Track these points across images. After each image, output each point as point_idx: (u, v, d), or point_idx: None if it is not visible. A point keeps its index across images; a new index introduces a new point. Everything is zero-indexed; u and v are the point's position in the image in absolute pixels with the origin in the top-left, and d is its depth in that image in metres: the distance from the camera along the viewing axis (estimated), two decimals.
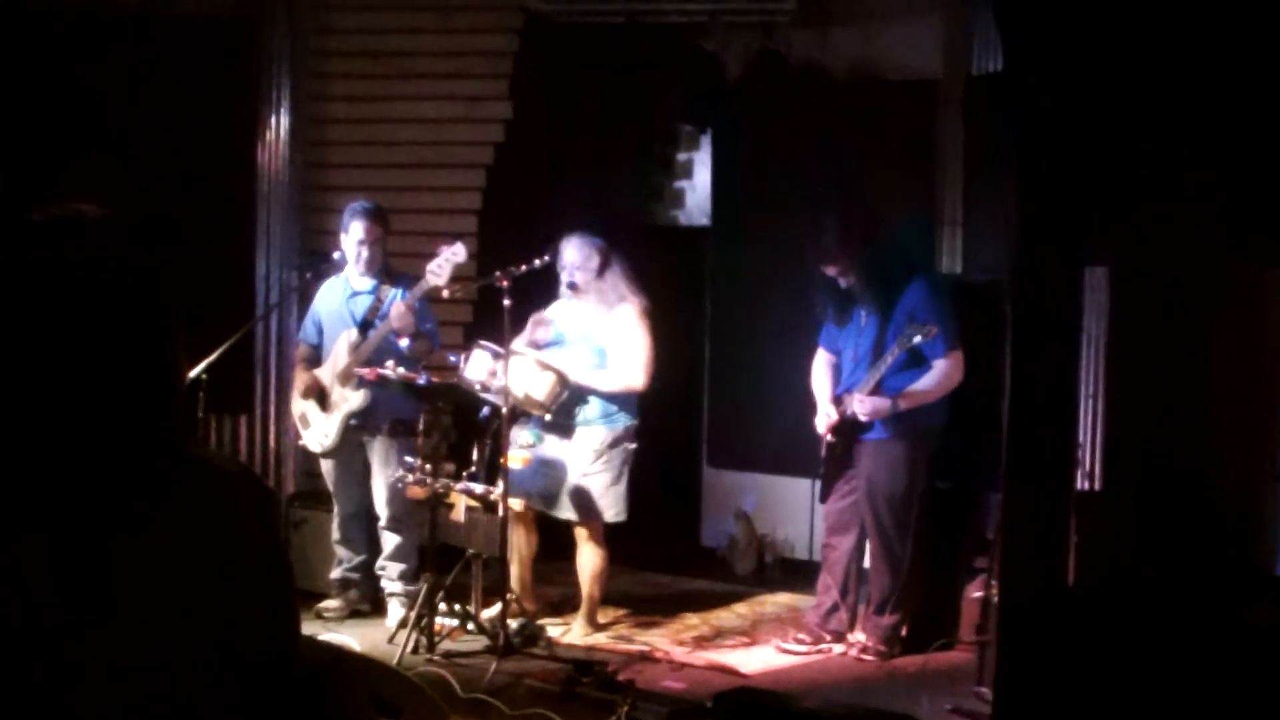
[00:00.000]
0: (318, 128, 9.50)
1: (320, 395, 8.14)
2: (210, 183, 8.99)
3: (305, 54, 9.44)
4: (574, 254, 7.95)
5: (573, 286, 7.96)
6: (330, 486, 8.37)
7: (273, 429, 9.24)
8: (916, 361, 7.62)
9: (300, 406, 8.28)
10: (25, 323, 2.24)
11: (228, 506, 2.38)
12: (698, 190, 10.45)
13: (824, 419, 7.85)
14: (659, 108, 10.23)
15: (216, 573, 2.31)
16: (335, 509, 8.38)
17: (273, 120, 9.29)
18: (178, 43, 9.04)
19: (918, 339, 7.44)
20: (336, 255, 8.23)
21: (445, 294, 7.97)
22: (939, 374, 7.60)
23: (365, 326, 8.02)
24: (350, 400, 8.03)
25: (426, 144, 9.55)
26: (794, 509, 9.55)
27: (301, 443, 8.40)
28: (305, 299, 8.70)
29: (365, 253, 8.11)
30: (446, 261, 7.81)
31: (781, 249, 9.17)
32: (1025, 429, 7.80)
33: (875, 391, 7.56)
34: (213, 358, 7.64)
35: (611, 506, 7.94)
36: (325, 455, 8.25)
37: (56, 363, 2.23)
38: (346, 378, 8.01)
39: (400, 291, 7.97)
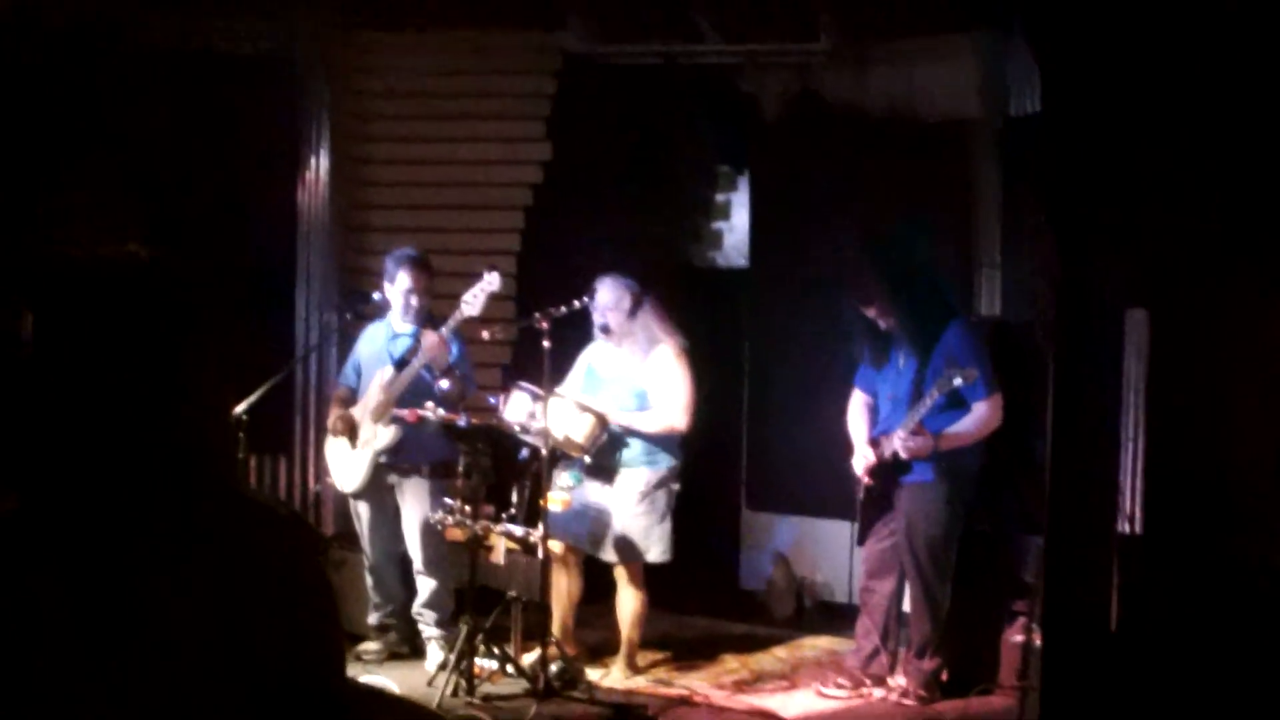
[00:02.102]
0: (357, 168, 9.56)
1: (351, 434, 8.14)
2: (251, 222, 9.03)
3: (345, 94, 9.51)
4: (606, 295, 7.96)
5: (605, 329, 7.97)
6: (361, 530, 8.33)
7: (312, 470, 9.27)
8: (955, 404, 7.61)
9: (331, 446, 8.29)
10: (69, 358, 2.26)
11: (277, 547, 2.40)
12: (735, 231, 10.46)
13: (861, 460, 7.85)
14: (696, 149, 10.25)
15: (264, 610, 2.32)
16: (367, 553, 8.35)
17: (313, 161, 9.36)
18: (219, 80, 9.08)
19: (958, 381, 7.42)
20: (377, 296, 8.25)
21: (484, 335, 7.99)
22: (979, 417, 7.59)
23: (402, 364, 8.01)
24: (380, 437, 8.02)
25: (465, 185, 9.60)
26: (833, 552, 9.52)
27: (330, 481, 8.39)
28: (345, 340, 8.73)
29: (413, 301, 8.12)
30: (481, 291, 7.82)
31: (819, 290, 9.16)
32: (1067, 473, 7.79)
33: (916, 433, 7.55)
34: (253, 398, 7.68)
35: (656, 547, 7.93)
36: (356, 496, 8.23)
37: (100, 398, 2.25)
38: (379, 414, 7.99)
39: (441, 334, 7.96)
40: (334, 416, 8.26)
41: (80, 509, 2.27)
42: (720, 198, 10.60)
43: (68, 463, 2.28)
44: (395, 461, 8.09)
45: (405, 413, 7.79)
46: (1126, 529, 7.43)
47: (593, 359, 8.16)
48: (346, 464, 8.19)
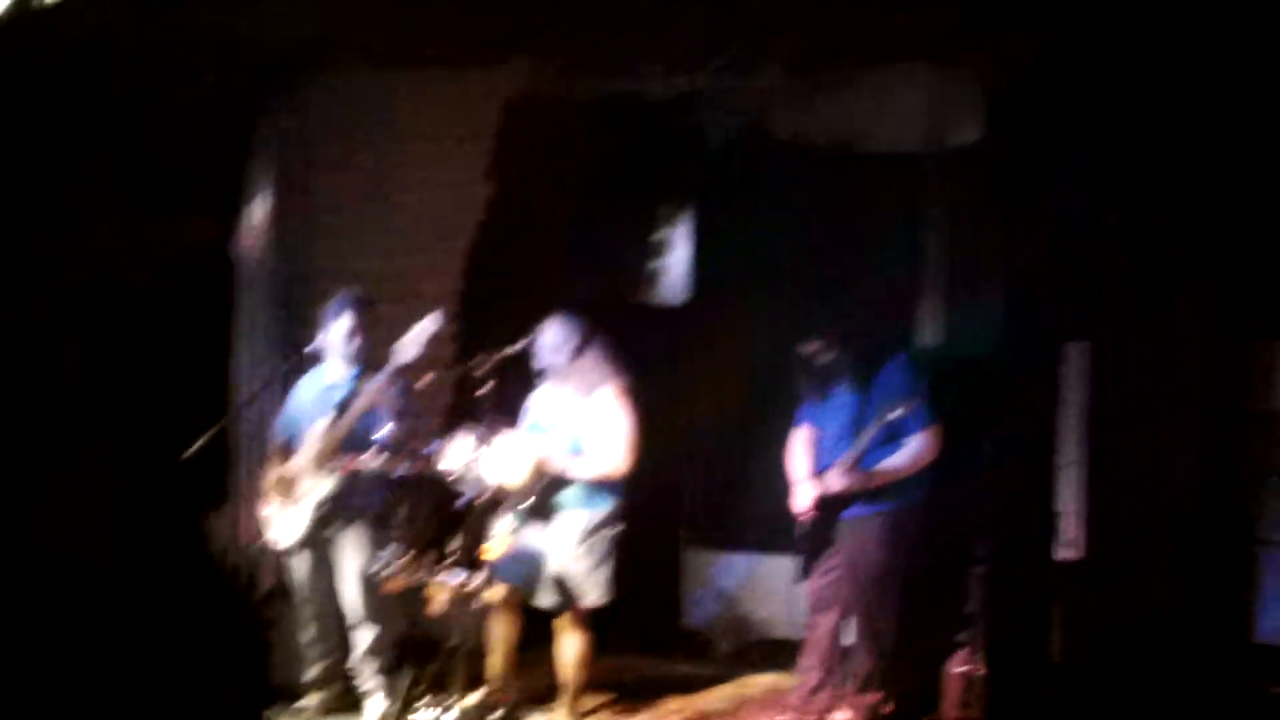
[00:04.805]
0: (299, 211, 9.45)
1: (289, 489, 8.04)
2: (190, 271, 8.93)
3: (286, 136, 9.42)
4: (551, 336, 7.91)
5: (545, 371, 7.91)
6: (297, 585, 8.17)
7: (243, 523, 9.14)
8: (895, 436, 7.59)
9: (268, 501, 8.18)
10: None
11: None
12: (677, 267, 10.40)
13: (802, 497, 7.80)
14: (639, 184, 10.19)
15: None
16: (302, 607, 8.19)
17: (253, 207, 9.25)
18: (155, 122, 8.96)
19: (896, 414, 7.41)
20: (314, 346, 8.15)
21: (424, 380, 7.92)
22: (914, 450, 7.58)
23: (342, 409, 7.92)
24: (320, 487, 7.89)
25: (406, 225, 9.51)
26: (775, 588, 9.44)
27: (272, 539, 8.18)
28: (284, 389, 8.62)
29: (354, 342, 8.06)
30: (417, 337, 7.73)
31: (761, 326, 9.14)
32: (1007, 502, 7.80)
33: (853, 467, 7.52)
34: (190, 451, 7.58)
35: (593, 590, 7.85)
36: (292, 550, 8.09)
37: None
38: (320, 463, 7.89)
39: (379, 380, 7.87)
40: (270, 475, 8.17)
41: None
42: (662, 234, 10.54)
43: None
44: (333, 511, 7.96)
45: (343, 461, 7.71)
46: (1072, 555, 7.44)
47: (533, 405, 8.10)
48: (282, 520, 8.05)
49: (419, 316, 7.82)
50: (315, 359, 8.22)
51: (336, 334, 8.07)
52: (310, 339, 8.34)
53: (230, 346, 9.24)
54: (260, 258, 9.30)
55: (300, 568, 8.14)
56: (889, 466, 7.56)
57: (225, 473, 9.04)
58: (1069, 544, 7.41)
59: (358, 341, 8.06)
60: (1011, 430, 7.90)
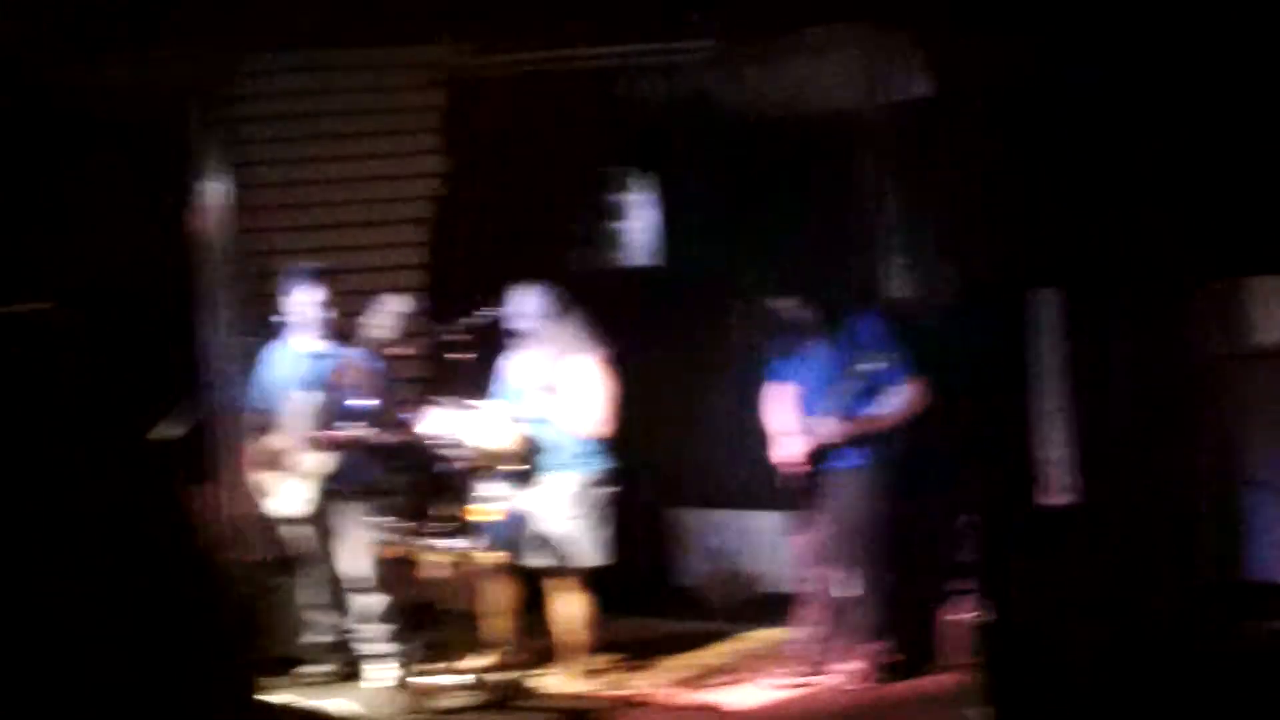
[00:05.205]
0: (257, 192, 9.39)
1: (278, 461, 8.04)
2: (150, 259, 8.85)
3: (237, 120, 9.35)
4: (525, 303, 7.94)
5: (521, 334, 7.93)
6: (298, 552, 8.24)
7: (231, 496, 9.09)
8: (874, 391, 7.68)
9: (257, 474, 8.17)
10: None
11: None
12: (638, 231, 10.43)
13: (782, 450, 7.87)
14: (590, 153, 10.21)
15: None
16: (307, 575, 8.26)
17: (209, 189, 9.17)
18: (103, 122, 8.88)
19: (871, 367, 7.50)
20: (279, 319, 8.17)
21: (400, 351, 7.91)
22: (899, 400, 7.67)
23: (321, 388, 7.92)
24: (324, 464, 7.93)
25: (364, 202, 9.50)
26: (764, 543, 9.53)
27: (267, 511, 8.24)
28: (250, 364, 8.61)
29: (311, 314, 8.07)
30: (387, 315, 7.75)
31: (727, 285, 9.22)
32: (991, 451, 7.91)
33: (830, 417, 7.61)
34: (166, 427, 7.54)
35: (594, 550, 7.90)
36: (296, 521, 8.14)
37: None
38: (310, 441, 7.92)
39: (353, 353, 7.89)
40: (253, 448, 8.16)
41: None
42: (620, 198, 10.57)
43: None
44: (331, 485, 8.01)
45: (336, 435, 7.72)
46: (1064, 500, 7.55)
47: (507, 369, 8.13)
48: (284, 491, 8.08)
49: (379, 290, 7.84)
50: (281, 331, 8.24)
51: (298, 305, 8.10)
52: (272, 314, 8.35)
53: (193, 324, 9.16)
54: (216, 239, 9.22)
55: (300, 537, 8.18)
56: (879, 414, 7.66)
57: (202, 447, 9.00)
58: (1062, 490, 7.52)
59: (315, 313, 8.07)
60: (986, 380, 7.98)
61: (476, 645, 7.67)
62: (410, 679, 7.40)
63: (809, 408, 7.86)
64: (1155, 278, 7.57)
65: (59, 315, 2.31)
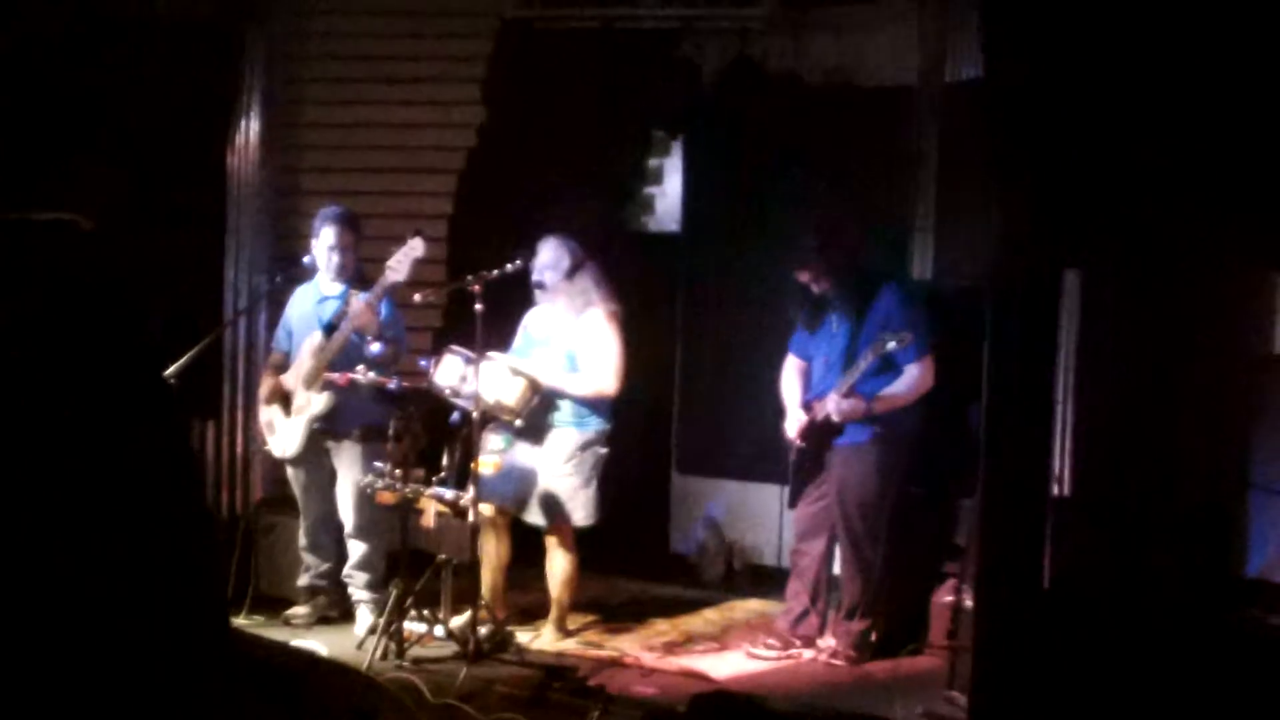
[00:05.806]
0: (290, 132, 9.44)
1: (284, 400, 8.10)
2: (181, 186, 8.92)
3: (278, 58, 9.39)
4: (546, 255, 7.95)
5: (540, 285, 7.93)
6: (297, 493, 8.32)
7: (240, 435, 9.18)
8: (889, 368, 7.62)
9: (266, 413, 8.25)
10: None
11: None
12: (669, 196, 10.41)
13: (794, 424, 7.84)
14: (632, 113, 10.17)
15: None
16: (302, 516, 8.33)
17: (244, 124, 9.23)
18: (151, 46, 8.95)
19: (892, 345, 7.44)
20: (306, 260, 8.21)
21: (416, 298, 7.91)
22: (911, 379, 7.61)
23: (330, 329, 7.95)
24: (314, 404, 7.99)
25: (398, 148, 9.52)
26: (763, 515, 9.52)
27: (267, 448, 8.34)
28: (276, 304, 8.67)
29: (336, 258, 8.10)
30: (405, 256, 7.73)
31: (753, 255, 9.16)
32: (1001, 435, 7.80)
33: (851, 394, 7.56)
34: (182, 362, 7.62)
35: (580, 510, 7.90)
36: (292, 462, 8.20)
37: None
38: (311, 381, 7.96)
39: (373, 297, 7.91)
40: (266, 385, 8.24)
41: None
42: (655, 162, 10.54)
43: None
44: (329, 427, 8.05)
45: (337, 377, 7.73)
46: (1056, 491, 7.45)
47: (529, 321, 8.14)
48: (283, 430, 8.15)
49: (405, 237, 7.83)
50: (308, 273, 8.26)
51: (321, 248, 8.12)
52: (299, 254, 8.40)
53: (221, 260, 9.22)
54: (248, 175, 9.27)
55: (299, 478, 8.26)
56: (888, 394, 7.60)
57: (218, 383, 9.09)
58: (1057, 479, 7.42)
59: (338, 255, 8.12)
60: (1005, 363, 7.88)
61: (465, 596, 7.68)
62: (395, 625, 7.42)
63: (821, 383, 7.82)
64: (1186, 268, 7.43)
65: (77, 227, 2.29)
